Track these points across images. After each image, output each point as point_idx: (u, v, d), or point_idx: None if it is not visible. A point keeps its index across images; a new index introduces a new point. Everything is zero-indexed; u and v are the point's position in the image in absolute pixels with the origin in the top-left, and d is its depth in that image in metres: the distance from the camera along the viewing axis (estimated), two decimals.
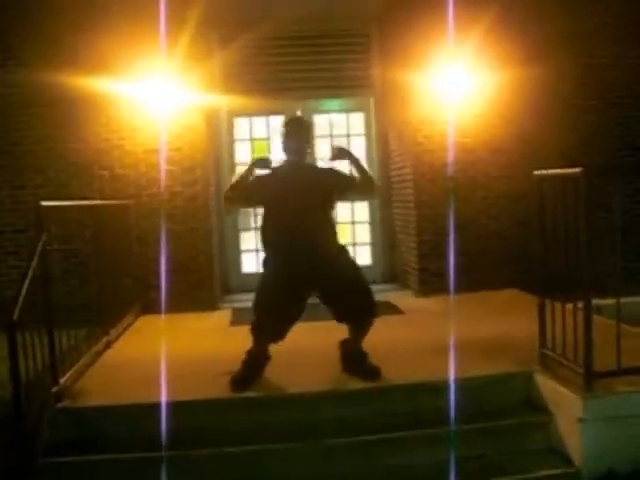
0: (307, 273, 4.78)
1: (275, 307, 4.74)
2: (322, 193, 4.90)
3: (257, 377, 4.90)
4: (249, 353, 4.94)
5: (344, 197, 5.23)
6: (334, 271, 4.83)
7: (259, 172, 5.07)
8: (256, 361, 4.93)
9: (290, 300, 4.78)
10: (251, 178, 5.03)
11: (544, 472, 4.23)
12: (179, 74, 7.41)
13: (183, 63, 7.39)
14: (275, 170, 5.09)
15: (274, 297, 4.76)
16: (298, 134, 4.97)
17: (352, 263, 5.06)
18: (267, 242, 4.99)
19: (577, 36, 7.98)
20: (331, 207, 5.09)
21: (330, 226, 5.05)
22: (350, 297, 4.82)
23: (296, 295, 4.82)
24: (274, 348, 4.98)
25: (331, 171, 5.11)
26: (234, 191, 5.01)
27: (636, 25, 8.19)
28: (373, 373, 4.82)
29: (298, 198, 4.79)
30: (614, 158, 8.04)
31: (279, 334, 4.83)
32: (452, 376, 4.61)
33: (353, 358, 4.98)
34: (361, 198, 5.74)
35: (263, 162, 5.12)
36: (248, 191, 4.97)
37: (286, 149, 4.98)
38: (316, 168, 5.54)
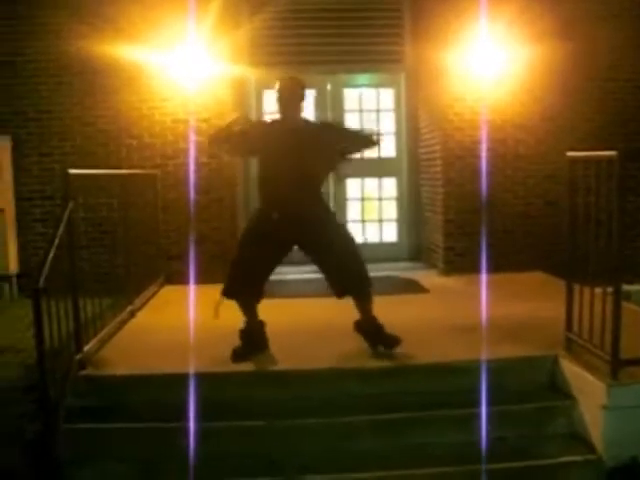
0: (294, 238, 4.85)
1: (247, 265, 4.80)
2: (320, 150, 4.82)
3: (259, 347, 4.93)
4: (244, 324, 4.98)
5: (346, 150, 5.09)
6: (323, 239, 4.81)
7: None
8: (250, 329, 4.95)
9: (263, 259, 4.81)
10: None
11: (565, 458, 4.20)
12: (209, 45, 7.39)
13: (213, 33, 7.35)
14: (268, 124, 5.05)
15: (249, 256, 4.79)
16: (291, 89, 4.90)
17: (342, 233, 4.99)
18: (259, 194, 4.98)
19: (610, 15, 7.85)
20: (328, 167, 5.07)
21: (319, 189, 4.99)
22: (339, 269, 4.82)
23: (273, 255, 4.87)
24: (296, 324, 4.97)
25: (328, 125, 5.04)
26: (219, 133, 4.98)
27: None
28: (392, 341, 4.81)
29: (291, 156, 4.72)
30: None
31: (252, 292, 4.86)
32: (477, 357, 4.58)
33: (370, 330, 4.95)
34: (363, 149, 5.68)
35: (243, 121, 5.03)
36: (234, 139, 4.89)
37: (280, 103, 4.88)
38: (313, 124, 5.26)
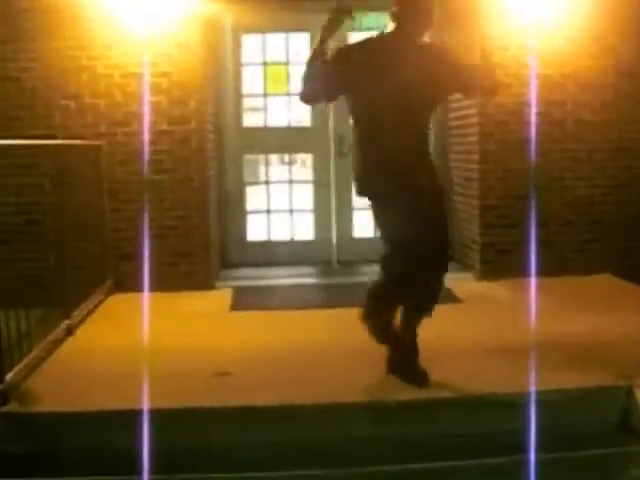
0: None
1: None
2: (429, 94, 4.81)
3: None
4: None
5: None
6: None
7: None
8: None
9: None
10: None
11: None
12: None
13: None
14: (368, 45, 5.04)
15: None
16: None
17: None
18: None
19: None
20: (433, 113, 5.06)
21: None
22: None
23: None
24: (284, 344, 4.97)
25: (448, 57, 4.95)
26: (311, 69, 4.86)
27: None
28: (419, 379, 4.81)
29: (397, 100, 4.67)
30: None
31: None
32: (526, 388, 4.57)
33: (402, 353, 4.95)
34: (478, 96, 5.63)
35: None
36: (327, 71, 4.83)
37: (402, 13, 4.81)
38: (428, 51, 5.09)
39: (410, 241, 4.70)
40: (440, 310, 6.84)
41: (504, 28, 7.75)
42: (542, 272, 6.86)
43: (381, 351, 5.26)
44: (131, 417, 4.35)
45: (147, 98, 7.59)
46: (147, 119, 7.59)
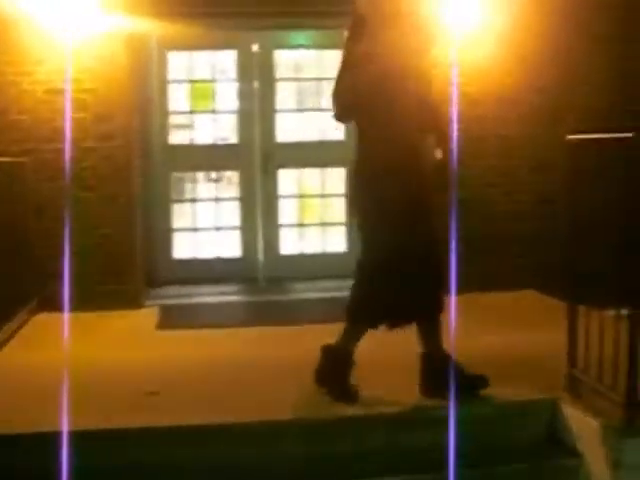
0: None
1: None
2: None
3: None
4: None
5: None
6: None
7: None
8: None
9: None
10: None
11: None
12: None
13: None
14: None
15: None
16: None
17: None
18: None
19: None
20: None
21: None
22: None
23: None
24: (215, 362, 4.94)
25: None
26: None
27: None
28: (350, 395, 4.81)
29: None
30: None
31: None
32: (452, 404, 4.59)
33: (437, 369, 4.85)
34: None
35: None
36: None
37: None
38: None
39: None
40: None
41: None
42: (464, 288, 6.92)
43: (308, 368, 5.27)
44: (54, 439, 4.26)
45: (71, 114, 7.51)
46: (71, 135, 7.50)
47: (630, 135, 4.15)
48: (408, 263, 4.73)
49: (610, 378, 4.35)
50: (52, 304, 7.09)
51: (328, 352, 4.97)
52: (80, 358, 5.53)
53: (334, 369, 4.91)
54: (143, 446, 4.43)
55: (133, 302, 7.70)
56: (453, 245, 7.03)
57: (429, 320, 4.94)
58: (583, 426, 4.50)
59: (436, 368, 4.86)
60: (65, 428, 4.28)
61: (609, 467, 4.26)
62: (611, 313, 4.42)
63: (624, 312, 4.26)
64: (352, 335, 4.96)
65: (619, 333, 4.27)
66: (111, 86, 7.61)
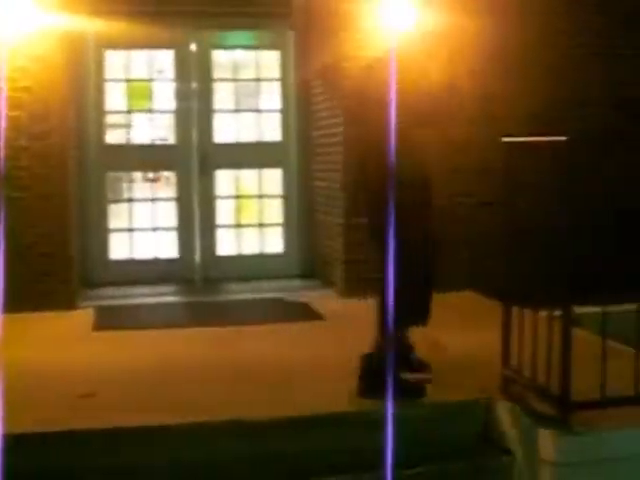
0: None
1: None
2: None
3: None
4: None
5: None
6: None
7: None
8: None
9: None
10: None
11: None
12: None
13: None
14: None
15: None
16: None
17: None
18: None
19: None
20: None
21: None
22: None
23: None
24: (149, 363, 4.91)
25: None
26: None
27: None
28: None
29: None
30: (603, 124, 8.19)
31: None
32: (386, 405, 4.59)
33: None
34: None
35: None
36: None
37: None
38: None
39: None
40: (302, 327, 6.92)
41: (368, 48, 7.82)
42: None
43: (245, 369, 5.26)
44: None
45: (4, 113, 7.39)
46: (5, 134, 7.38)
47: (563, 139, 4.20)
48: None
49: (543, 378, 4.41)
50: None
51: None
52: (13, 359, 5.42)
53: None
54: (77, 449, 4.38)
55: (68, 303, 7.60)
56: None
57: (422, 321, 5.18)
58: (518, 426, 4.55)
59: (374, 369, 4.86)
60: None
61: (542, 465, 4.31)
62: (544, 313, 4.47)
63: (557, 312, 4.31)
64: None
65: (552, 333, 4.32)
66: (46, 84, 7.51)
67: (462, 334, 6.23)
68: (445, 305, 7.34)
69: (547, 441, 4.26)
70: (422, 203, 5.09)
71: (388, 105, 4.76)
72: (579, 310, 4.40)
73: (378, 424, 4.45)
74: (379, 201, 4.76)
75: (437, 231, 5.24)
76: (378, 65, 5.22)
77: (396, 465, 4.27)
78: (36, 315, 7.09)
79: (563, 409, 4.29)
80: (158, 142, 8.97)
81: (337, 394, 4.95)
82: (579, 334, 4.53)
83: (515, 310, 4.75)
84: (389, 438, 4.35)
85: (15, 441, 4.17)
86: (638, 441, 4.35)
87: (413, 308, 5.05)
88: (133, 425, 4.50)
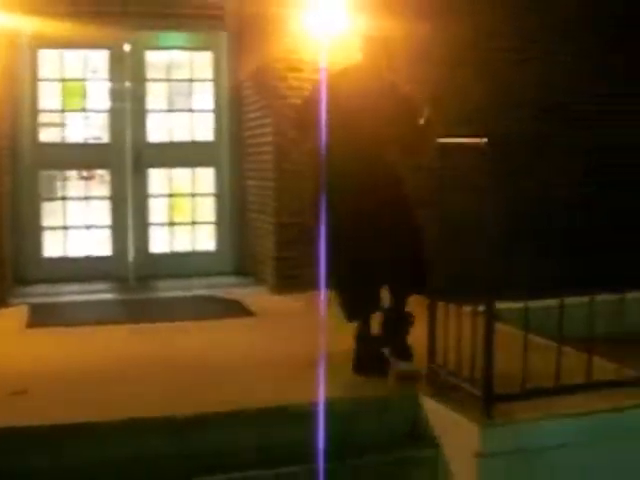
0: None
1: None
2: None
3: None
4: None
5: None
6: None
7: None
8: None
9: None
10: None
11: None
12: None
13: None
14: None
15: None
16: None
17: None
18: None
19: None
20: None
21: None
22: None
23: None
24: (79, 361, 4.87)
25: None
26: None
27: None
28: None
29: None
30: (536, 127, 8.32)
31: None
32: (314, 399, 4.61)
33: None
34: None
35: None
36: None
37: None
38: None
39: None
40: (233, 323, 6.92)
41: (300, 51, 7.84)
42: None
43: (177, 365, 5.25)
44: None
45: None
46: None
47: (484, 140, 4.27)
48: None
49: (468, 372, 4.47)
50: None
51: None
52: None
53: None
54: (10, 446, 4.28)
55: (1, 301, 7.49)
56: (324, 244, 7.13)
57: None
58: (443, 418, 4.60)
59: (367, 350, 5.31)
60: None
61: (466, 456, 4.36)
62: (468, 309, 4.54)
63: (480, 308, 4.37)
64: None
65: (476, 328, 4.39)
66: None
67: None
68: None
69: (471, 433, 4.31)
70: (397, 202, 5.29)
71: (359, 111, 5.09)
72: (502, 305, 4.45)
73: (311, 418, 4.51)
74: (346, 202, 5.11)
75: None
76: (345, 75, 5.39)
77: (327, 458, 4.32)
78: None
79: (486, 401, 4.34)
80: (92, 141, 8.88)
81: (265, 390, 4.96)
82: (502, 329, 4.60)
83: (440, 306, 4.81)
84: (319, 432, 4.39)
85: None
86: (558, 431, 4.44)
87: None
88: (63, 422, 4.41)
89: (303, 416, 4.52)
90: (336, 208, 5.06)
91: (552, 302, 4.48)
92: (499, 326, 4.42)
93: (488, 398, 4.34)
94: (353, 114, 5.09)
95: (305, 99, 5.66)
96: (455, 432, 4.49)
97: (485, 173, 4.29)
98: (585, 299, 4.53)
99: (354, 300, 5.30)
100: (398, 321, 5.30)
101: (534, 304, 4.48)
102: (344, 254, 5.17)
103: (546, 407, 4.47)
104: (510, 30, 8.42)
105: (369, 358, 5.30)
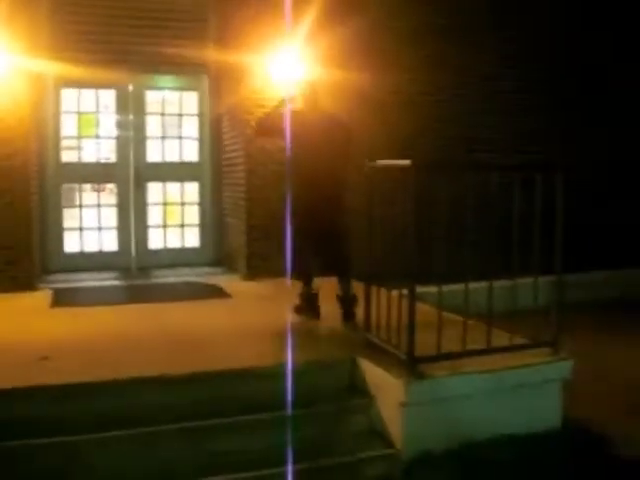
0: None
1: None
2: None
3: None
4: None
5: None
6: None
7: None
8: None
9: None
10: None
11: (364, 454, 4.34)
12: (2, 35, 6.91)
13: (7, 23, 6.89)
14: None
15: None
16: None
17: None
18: None
19: (406, 32, 8.29)
20: None
21: None
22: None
23: None
24: (90, 332, 4.84)
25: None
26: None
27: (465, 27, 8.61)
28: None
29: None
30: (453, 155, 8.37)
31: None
32: (279, 362, 4.61)
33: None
34: None
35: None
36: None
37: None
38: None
39: None
40: (213, 303, 6.88)
41: (263, 92, 7.80)
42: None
43: (171, 335, 5.20)
44: None
45: None
46: None
47: (409, 163, 4.28)
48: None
49: (395, 339, 4.49)
50: None
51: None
52: None
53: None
54: (32, 402, 4.22)
55: (29, 285, 7.34)
56: (286, 241, 7.09)
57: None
58: (376, 376, 4.61)
59: (304, 300, 5.94)
60: None
61: (395, 406, 4.37)
62: (396, 292, 4.55)
63: (404, 291, 4.38)
64: None
65: (401, 306, 4.40)
66: (13, 115, 7.25)
67: (334, 308, 6.23)
68: (326, 288, 7.38)
69: (397, 387, 4.34)
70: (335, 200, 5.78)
71: (310, 136, 5.58)
72: (422, 289, 4.46)
73: (274, 376, 4.49)
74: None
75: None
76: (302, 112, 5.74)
77: (283, 407, 4.31)
78: (2, 295, 6.86)
79: (410, 362, 4.36)
80: (103, 161, 8.73)
81: (241, 354, 4.94)
82: (422, 307, 4.61)
83: (373, 289, 4.81)
84: (286, 386, 4.39)
85: None
86: (465, 384, 4.48)
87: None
88: (79, 381, 4.37)
89: (272, 375, 4.52)
90: (299, 198, 5.65)
91: (460, 287, 4.50)
92: (419, 305, 4.44)
93: (411, 360, 4.37)
94: (306, 138, 5.56)
95: (265, 113, 6.16)
96: (385, 386, 4.50)
97: (411, 187, 4.29)
98: (486, 284, 4.56)
99: (298, 266, 5.79)
100: (345, 298, 5.71)
101: (447, 288, 4.51)
102: (297, 230, 5.74)
103: (456, 367, 4.51)
104: (426, 79, 8.47)
105: (305, 305, 5.90)
